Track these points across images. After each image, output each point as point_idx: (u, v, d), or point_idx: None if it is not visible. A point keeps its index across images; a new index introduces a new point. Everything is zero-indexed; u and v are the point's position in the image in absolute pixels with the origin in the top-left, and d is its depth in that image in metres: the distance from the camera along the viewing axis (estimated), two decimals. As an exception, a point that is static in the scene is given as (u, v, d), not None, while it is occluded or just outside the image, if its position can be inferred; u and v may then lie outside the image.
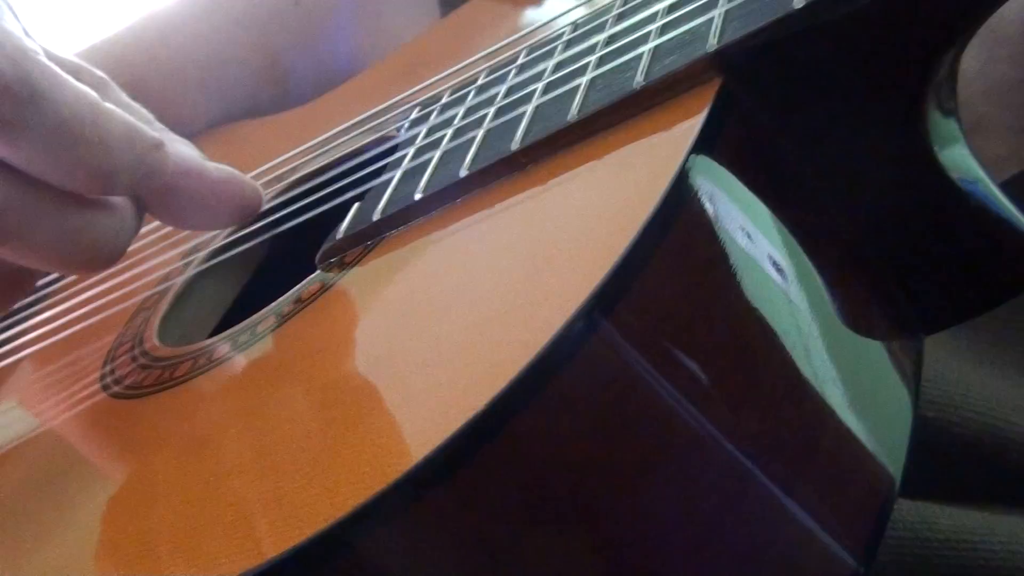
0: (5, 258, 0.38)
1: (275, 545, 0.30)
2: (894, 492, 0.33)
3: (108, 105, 0.38)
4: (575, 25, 0.43)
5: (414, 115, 0.46)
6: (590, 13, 0.43)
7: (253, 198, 0.43)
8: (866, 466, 0.33)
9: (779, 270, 0.33)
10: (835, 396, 0.33)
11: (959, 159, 0.35)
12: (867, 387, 0.34)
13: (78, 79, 0.41)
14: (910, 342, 0.37)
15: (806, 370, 0.33)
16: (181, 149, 0.43)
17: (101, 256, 0.39)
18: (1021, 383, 0.52)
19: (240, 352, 0.41)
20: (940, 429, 0.50)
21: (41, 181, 0.37)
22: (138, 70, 0.58)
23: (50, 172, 0.37)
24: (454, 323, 0.34)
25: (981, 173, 0.35)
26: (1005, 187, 0.36)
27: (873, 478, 0.33)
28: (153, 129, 0.42)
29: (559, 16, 0.44)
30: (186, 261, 0.51)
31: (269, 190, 0.51)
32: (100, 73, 0.43)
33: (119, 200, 0.39)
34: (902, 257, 0.36)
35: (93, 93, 0.37)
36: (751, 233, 0.33)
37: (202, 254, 0.51)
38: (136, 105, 0.44)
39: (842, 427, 0.33)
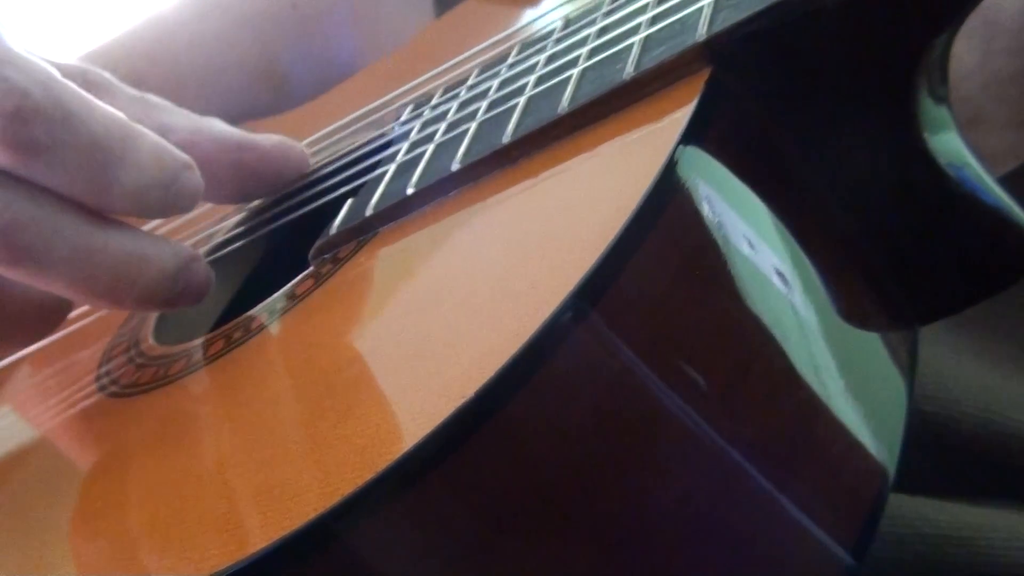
0: (27, 282, 0.39)
1: (266, 535, 0.30)
2: (888, 484, 0.33)
3: (138, 126, 0.38)
4: (567, 20, 0.43)
5: (408, 111, 0.47)
6: (582, 8, 0.43)
7: (302, 160, 0.46)
8: (860, 458, 0.33)
9: (770, 259, 0.33)
10: (829, 387, 0.33)
11: (950, 146, 0.35)
12: (861, 378, 0.34)
13: (84, 80, 0.42)
14: (904, 333, 0.36)
15: (799, 360, 0.33)
16: (219, 126, 0.45)
17: (122, 284, 0.39)
18: (1020, 378, 0.52)
19: (234, 348, 0.41)
20: (939, 425, 0.50)
21: (62, 200, 0.38)
22: (136, 74, 0.58)
23: (83, 192, 0.38)
24: (445, 314, 0.34)
25: (972, 160, 0.35)
26: (1003, 182, 0.35)
27: (867, 470, 0.33)
28: (170, 113, 0.44)
29: (551, 11, 0.45)
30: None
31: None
32: (103, 72, 0.44)
33: (150, 239, 0.40)
34: (894, 246, 0.35)
35: (121, 114, 0.38)
36: (741, 223, 0.33)
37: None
38: (147, 95, 0.44)
39: (835, 419, 0.33)
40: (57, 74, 0.37)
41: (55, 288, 0.39)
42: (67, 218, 0.38)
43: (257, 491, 0.32)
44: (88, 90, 0.40)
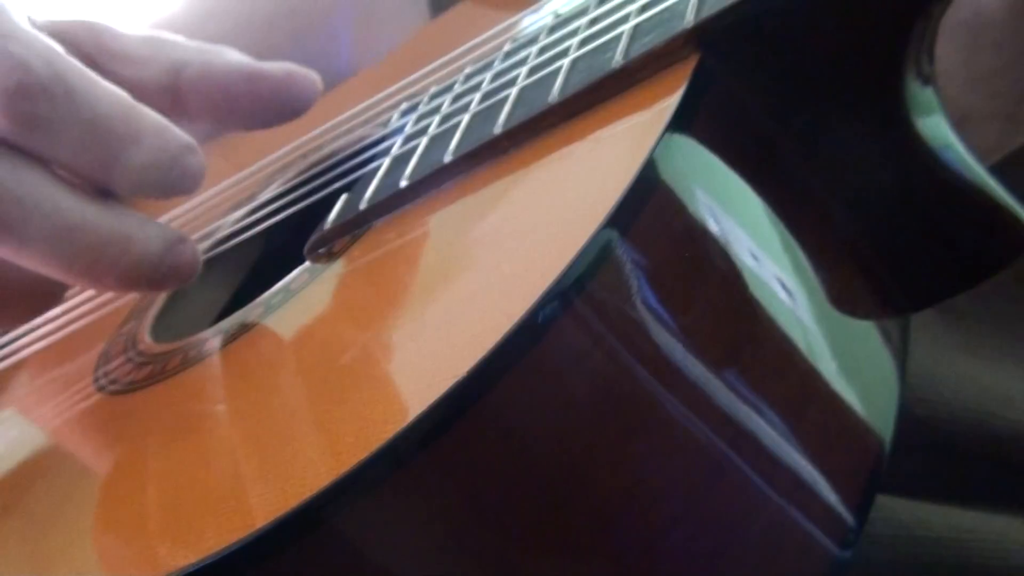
0: (6, 257, 0.39)
1: (262, 517, 0.30)
2: (885, 453, 0.33)
3: (141, 105, 0.39)
4: (558, 15, 0.43)
5: (403, 107, 0.47)
6: (573, 3, 0.43)
7: (313, 87, 0.46)
8: (855, 426, 0.34)
9: (758, 244, 0.34)
10: (822, 367, 0.33)
11: (937, 128, 0.35)
12: (854, 359, 0.35)
13: (90, 30, 0.42)
14: (896, 320, 0.37)
15: (791, 342, 0.33)
16: (231, 56, 0.45)
17: (103, 263, 0.39)
18: (1014, 373, 0.52)
19: (232, 342, 0.41)
20: (931, 428, 0.50)
21: (46, 176, 0.38)
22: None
23: (82, 167, 0.38)
24: (439, 300, 0.34)
25: (958, 144, 0.35)
26: (991, 172, 0.36)
27: (864, 438, 0.34)
28: (182, 48, 0.45)
29: (544, 6, 0.45)
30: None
31: (262, 189, 0.51)
32: (106, 23, 0.44)
33: (135, 217, 0.40)
34: (884, 231, 0.36)
35: (124, 93, 0.39)
36: (730, 209, 0.33)
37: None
38: (154, 33, 0.45)
39: (830, 395, 0.33)
40: (61, 50, 0.38)
41: (33, 265, 0.39)
42: (48, 194, 0.38)
43: (254, 475, 0.32)
44: (94, 38, 0.40)
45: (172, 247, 0.40)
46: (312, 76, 0.47)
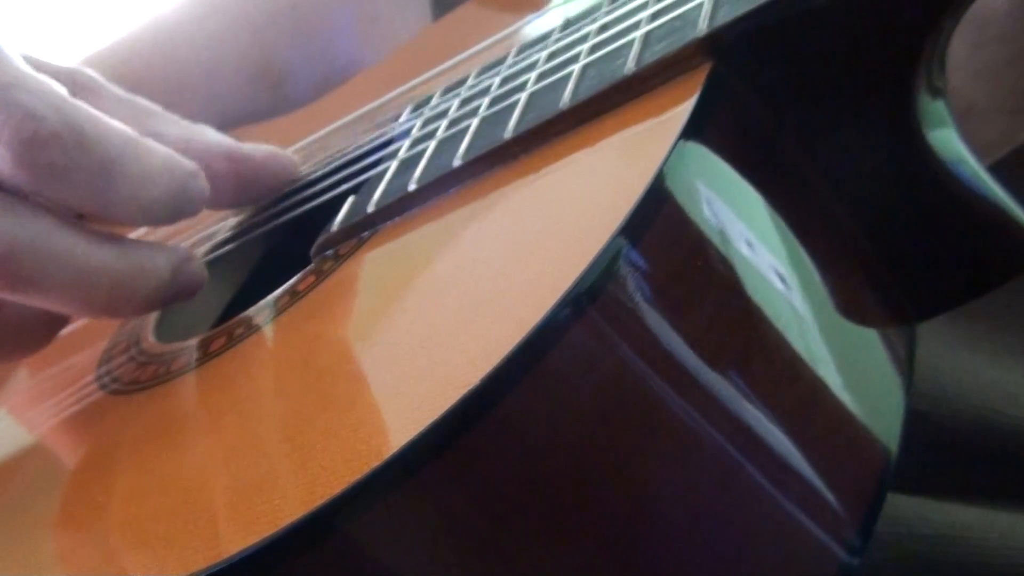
0: (27, 303, 0.39)
1: (268, 527, 0.30)
2: (891, 462, 0.33)
3: (148, 140, 0.39)
4: (567, 20, 0.43)
5: (409, 110, 0.47)
6: (583, 9, 0.43)
7: (293, 169, 0.47)
8: (862, 442, 0.34)
9: (769, 253, 0.34)
10: (828, 376, 0.33)
11: (948, 142, 0.35)
12: (860, 368, 0.35)
13: (73, 82, 0.42)
14: (903, 328, 0.37)
15: (798, 349, 0.33)
16: (211, 135, 0.45)
17: (121, 298, 0.40)
18: (1017, 369, 0.52)
19: (235, 344, 0.41)
20: (934, 424, 0.50)
21: (59, 223, 0.38)
22: (136, 79, 0.58)
23: (95, 208, 0.38)
24: (448, 307, 0.34)
25: (968, 156, 0.35)
26: (994, 169, 0.36)
27: (870, 447, 0.34)
28: (162, 120, 0.44)
29: (551, 10, 0.45)
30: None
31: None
32: (92, 74, 0.44)
33: (144, 249, 0.40)
34: (893, 242, 0.36)
35: (130, 129, 0.39)
36: (741, 218, 0.33)
37: (199, 253, 0.51)
38: (135, 98, 0.44)
39: (836, 406, 0.33)
40: (66, 94, 0.38)
41: (54, 308, 0.39)
42: (62, 242, 0.38)
43: (260, 484, 0.32)
44: (77, 93, 0.40)
45: (179, 269, 0.41)
46: (292, 158, 0.47)
